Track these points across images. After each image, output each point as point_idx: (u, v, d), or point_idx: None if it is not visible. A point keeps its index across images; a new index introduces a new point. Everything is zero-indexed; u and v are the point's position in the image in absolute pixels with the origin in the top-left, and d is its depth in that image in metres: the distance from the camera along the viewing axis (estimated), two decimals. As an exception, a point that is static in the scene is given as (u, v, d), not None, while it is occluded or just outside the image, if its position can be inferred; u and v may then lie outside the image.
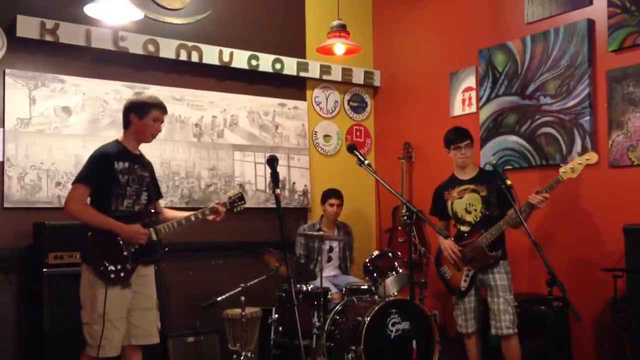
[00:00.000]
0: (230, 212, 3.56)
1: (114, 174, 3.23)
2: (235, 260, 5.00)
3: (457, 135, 4.05)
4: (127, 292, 3.23)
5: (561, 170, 3.72)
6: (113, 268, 3.16)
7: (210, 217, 3.49)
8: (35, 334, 4.03)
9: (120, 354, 3.24)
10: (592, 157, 3.72)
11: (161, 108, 3.37)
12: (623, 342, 3.77)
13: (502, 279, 3.86)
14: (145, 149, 4.77)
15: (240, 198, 3.60)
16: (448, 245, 3.98)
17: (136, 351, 3.34)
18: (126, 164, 3.28)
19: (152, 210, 3.41)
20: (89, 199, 3.25)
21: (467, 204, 4.01)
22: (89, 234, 3.22)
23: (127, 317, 3.25)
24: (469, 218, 4.00)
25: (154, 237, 3.31)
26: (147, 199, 3.37)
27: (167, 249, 3.43)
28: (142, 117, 3.32)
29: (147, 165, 3.47)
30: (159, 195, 3.60)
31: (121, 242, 3.22)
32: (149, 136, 3.39)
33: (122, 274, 3.19)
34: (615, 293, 3.76)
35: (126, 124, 3.38)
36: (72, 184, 3.28)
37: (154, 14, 4.91)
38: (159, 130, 3.41)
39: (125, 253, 3.22)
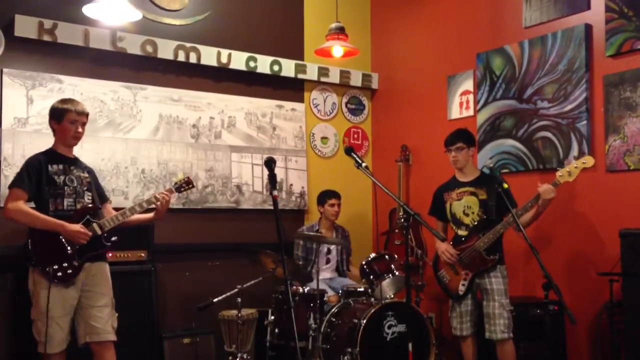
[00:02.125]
0: (178, 192, 3.70)
1: (48, 175, 3.34)
2: (231, 261, 5.00)
3: (450, 138, 4.07)
4: (72, 291, 3.30)
5: (558, 174, 3.73)
6: (58, 267, 3.24)
7: (157, 205, 3.55)
8: (30, 332, 4.00)
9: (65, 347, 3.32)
10: (588, 160, 3.73)
11: (77, 111, 3.45)
12: (618, 346, 3.77)
13: (498, 283, 3.86)
14: (143, 149, 4.80)
15: (187, 182, 3.71)
16: (445, 248, 3.99)
17: (104, 347, 3.38)
18: (60, 166, 3.41)
19: (94, 206, 3.46)
20: (27, 204, 3.34)
21: (465, 206, 4.02)
22: (30, 237, 3.30)
23: (80, 315, 3.34)
24: (467, 221, 4.01)
25: (99, 232, 3.38)
26: (90, 199, 3.46)
27: (114, 239, 3.46)
28: (59, 121, 3.45)
29: (85, 168, 3.56)
30: (103, 198, 3.66)
31: (64, 241, 3.29)
32: (71, 139, 3.48)
33: (69, 271, 3.27)
34: (611, 297, 3.77)
35: (52, 129, 3.51)
36: (9, 188, 3.38)
37: (152, 14, 4.91)
38: (78, 131, 3.48)
39: (70, 251, 3.29)
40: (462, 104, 5.15)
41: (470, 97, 5.08)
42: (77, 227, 3.30)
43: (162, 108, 4.93)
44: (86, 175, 3.51)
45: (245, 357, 4.14)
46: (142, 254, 4.36)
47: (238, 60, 5.18)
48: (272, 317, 4.25)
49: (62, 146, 3.49)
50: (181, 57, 4.93)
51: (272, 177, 3.14)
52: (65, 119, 3.43)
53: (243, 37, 5.30)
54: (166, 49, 4.86)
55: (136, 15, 4.21)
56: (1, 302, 4.19)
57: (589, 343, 4.14)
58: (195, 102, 5.07)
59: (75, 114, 3.44)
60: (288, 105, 5.53)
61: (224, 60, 5.11)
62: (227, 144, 5.20)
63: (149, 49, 4.79)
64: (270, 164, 3.17)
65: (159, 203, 3.56)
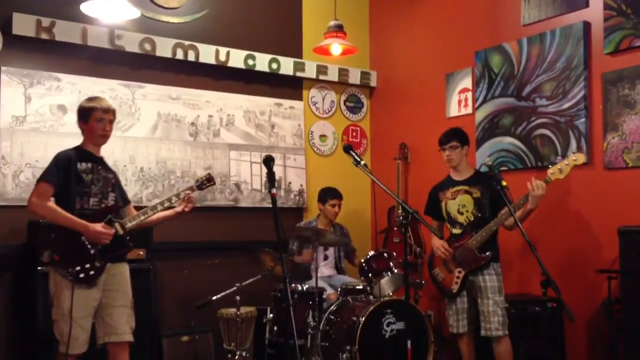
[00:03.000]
0: (199, 190, 3.64)
1: (76, 173, 3.30)
2: (230, 259, 5.00)
3: (444, 137, 4.07)
4: (94, 292, 3.27)
5: (549, 171, 3.75)
6: (80, 268, 3.21)
7: (180, 208, 3.53)
8: (29, 332, 4.01)
9: (86, 349, 3.29)
10: (579, 157, 3.73)
11: (103, 109, 3.42)
12: (616, 343, 3.78)
13: (491, 281, 3.86)
14: (142, 148, 4.80)
15: (209, 179, 3.66)
16: (440, 244, 3.99)
17: (121, 347, 3.37)
18: (89, 165, 3.37)
19: (116, 206, 3.44)
20: (53, 199, 3.30)
21: (459, 205, 4.02)
22: (52, 236, 3.27)
23: (100, 315, 3.31)
24: (461, 219, 4.01)
25: (121, 232, 3.35)
26: (114, 200, 3.44)
27: (132, 245, 3.44)
28: (86, 121, 3.41)
29: (110, 170, 3.54)
30: (126, 200, 3.64)
31: (86, 241, 3.26)
32: (98, 137, 3.44)
33: (91, 272, 3.24)
34: (609, 294, 3.77)
35: (80, 129, 3.48)
36: (37, 182, 3.34)
37: (150, 12, 4.91)
38: (106, 130, 3.44)
39: (92, 251, 3.26)
40: (460, 101, 5.15)
41: (469, 94, 5.08)
42: (100, 227, 3.25)
43: (161, 106, 4.92)
44: (111, 176, 3.48)
45: (244, 355, 4.15)
46: (141, 252, 4.35)
47: (236, 58, 5.17)
48: (271, 315, 4.26)
49: (89, 145, 3.45)
50: (179, 55, 4.92)
51: (270, 175, 3.13)
52: (92, 118, 3.39)
53: (241, 35, 5.29)
54: (164, 47, 4.86)
55: (134, 13, 4.20)
56: (0, 301, 4.20)
57: (587, 340, 4.14)
58: (194, 100, 5.07)
59: (101, 111, 3.40)
60: (287, 103, 5.53)
61: (222, 58, 5.11)
62: (225, 142, 5.20)
63: (147, 47, 4.78)
64: (268, 162, 3.16)
65: (180, 201, 3.53)
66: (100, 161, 3.47)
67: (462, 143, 4.05)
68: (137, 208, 3.65)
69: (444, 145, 4.05)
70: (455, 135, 4.05)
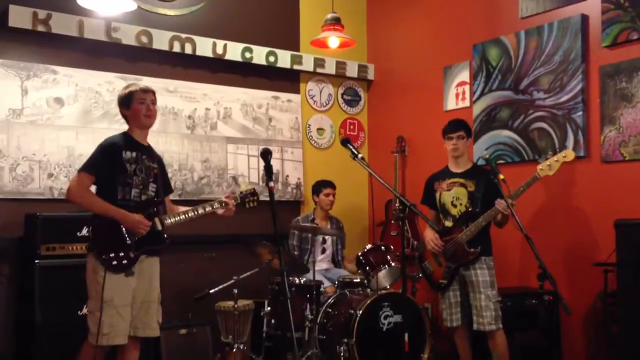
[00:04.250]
0: (241, 206, 3.56)
1: (121, 162, 3.25)
2: (227, 252, 5.00)
3: (451, 126, 4.07)
4: (132, 280, 3.23)
5: (538, 167, 3.76)
6: (114, 255, 3.17)
7: (220, 212, 3.50)
8: (27, 326, 4.01)
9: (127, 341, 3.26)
10: (568, 154, 3.76)
11: (142, 89, 3.38)
12: (613, 336, 3.80)
13: (483, 275, 3.86)
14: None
15: (253, 194, 3.60)
16: (431, 237, 4.00)
17: (135, 343, 3.35)
18: (134, 154, 3.31)
19: (158, 200, 3.40)
20: (94, 187, 3.27)
21: (453, 197, 4.03)
22: (93, 221, 3.26)
23: (133, 308, 3.27)
24: (454, 212, 4.02)
25: (159, 227, 3.32)
26: (155, 191, 3.39)
27: (169, 241, 3.42)
28: (128, 106, 3.36)
29: (156, 158, 3.48)
30: (168, 190, 3.59)
31: (124, 230, 3.22)
32: (143, 118, 3.37)
33: (124, 262, 3.19)
34: (605, 287, 3.79)
35: (125, 120, 3.43)
36: (77, 171, 3.32)
37: (147, 5, 4.88)
38: (150, 110, 3.38)
39: (129, 241, 3.23)
40: (458, 95, 5.15)
41: (466, 88, 5.07)
42: (138, 216, 3.23)
43: (158, 99, 4.86)
44: (155, 165, 3.42)
45: (241, 347, 4.15)
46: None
47: (233, 51, 5.16)
48: (269, 308, 4.26)
49: (137, 130, 3.39)
50: (176, 48, 4.90)
51: (268, 169, 3.13)
52: (134, 101, 3.33)
53: (238, 28, 5.27)
54: (161, 40, 4.84)
55: (131, 5, 4.18)
56: (-1, 294, 4.20)
57: (584, 333, 4.16)
58: (191, 93, 5.06)
59: (141, 92, 3.35)
60: (284, 96, 5.52)
61: (219, 51, 5.09)
62: (223, 135, 5.19)
63: (144, 39, 4.77)
64: (266, 155, 3.16)
65: (223, 210, 3.50)
66: (145, 149, 3.41)
67: (468, 134, 4.07)
68: (192, 203, 3.62)
69: (451, 134, 4.03)
70: (463, 126, 4.06)
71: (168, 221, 3.35)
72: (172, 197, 4.77)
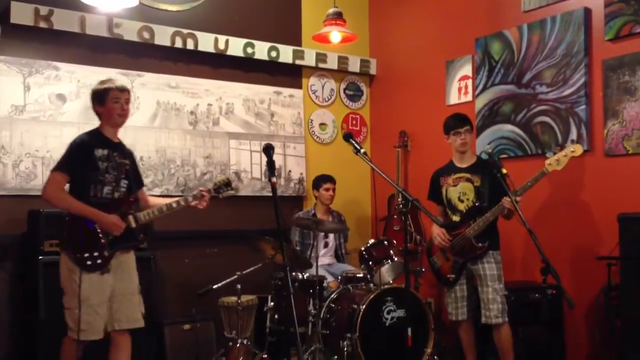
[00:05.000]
0: (216, 198, 3.59)
1: (93, 161, 3.29)
2: (231, 248, 5.01)
3: (457, 121, 4.05)
4: (108, 278, 3.28)
5: (547, 162, 3.75)
6: (89, 255, 3.22)
7: (194, 203, 3.53)
8: (30, 322, 4.02)
9: (104, 337, 3.32)
10: (577, 149, 3.74)
11: (118, 88, 3.39)
12: (616, 330, 3.80)
13: (491, 269, 3.87)
14: (141, 137, 4.79)
15: (227, 184, 3.62)
16: (439, 232, 4.00)
17: (123, 335, 3.40)
18: (105, 151, 3.34)
19: (132, 199, 3.45)
20: (68, 186, 3.30)
21: (460, 192, 4.02)
22: (67, 219, 3.29)
23: (110, 303, 3.31)
24: (461, 207, 4.02)
25: (133, 225, 3.37)
26: (126, 186, 3.42)
27: (146, 234, 3.47)
28: (102, 103, 3.38)
29: (127, 153, 3.51)
30: (140, 184, 3.63)
31: (98, 230, 3.27)
32: (117, 117, 3.40)
33: (99, 261, 3.24)
34: (609, 281, 3.79)
35: (97, 115, 3.45)
36: (51, 171, 3.36)
37: (148, 0, 4.87)
38: (124, 109, 3.41)
39: (103, 240, 3.27)
40: (460, 89, 5.14)
41: (469, 82, 5.06)
42: (114, 218, 3.28)
43: (160, 95, 4.91)
44: (127, 161, 3.46)
45: (245, 342, 4.16)
46: (142, 241, 4.36)
47: (235, 46, 5.15)
48: (272, 303, 4.26)
49: (108, 128, 3.41)
50: (178, 44, 4.90)
51: (270, 164, 3.13)
52: (109, 99, 3.35)
53: (240, 23, 5.27)
54: (163, 36, 4.84)
55: (132, 1, 4.17)
56: (0, 290, 4.21)
57: (587, 327, 4.16)
58: (193, 88, 5.05)
59: (117, 91, 3.37)
60: (286, 91, 5.51)
61: (221, 46, 5.08)
62: (225, 131, 5.19)
63: (146, 35, 4.76)
64: (268, 150, 3.16)
65: (197, 202, 3.52)
66: (117, 146, 3.44)
67: (472, 127, 4.08)
68: (168, 197, 3.64)
69: (459, 128, 4.01)
70: (467, 120, 4.06)
71: (142, 219, 3.39)
72: (175, 192, 4.82)
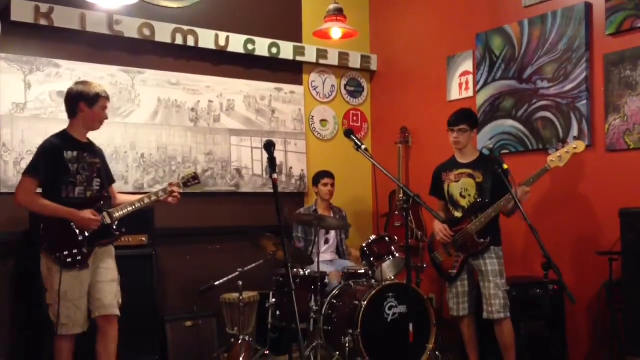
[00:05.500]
0: (185, 188, 3.75)
1: (63, 163, 3.35)
2: (232, 245, 5.02)
3: (453, 119, 4.05)
4: (85, 273, 3.36)
5: (549, 159, 3.75)
6: (68, 253, 3.29)
7: (164, 198, 3.62)
8: (33, 318, 4.03)
9: (87, 330, 3.41)
10: (579, 145, 3.73)
11: (107, 97, 3.53)
12: (617, 325, 3.80)
13: (492, 264, 3.87)
14: (142, 134, 4.79)
15: (194, 177, 3.78)
16: (441, 228, 4.00)
17: (109, 321, 3.44)
18: (75, 153, 3.40)
19: (104, 194, 3.53)
20: (39, 189, 3.37)
21: (462, 188, 4.02)
22: (42, 223, 3.33)
23: (90, 292, 3.39)
24: (463, 203, 4.01)
25: (108, 221, 3.43)
26: (99, 185, 3.50)
27: (124, 230, 3.54)
28: (91, 106, 3.45)
29: (97, 152, 3.58)
30: (111, 181, 3.72)
31: (75, 228, 3.34)
32: (99, 123, 3.53)
33: (78, 258, 3.32)
34: (610, 276, 3.78)
35: (74, 112, 3.48)
36: (22, 175, 3.41)
37: (149, -3, 4.88)
38: (107, 118, 3.56)
39: (80, 238, 3.34)
40: (461, 84, 5.13)
41: (470, 77, 5.05)
42: (88, 213, 3.35)
43: (161, 92, 4.91)
44: (97, 161, 3.53)
45: (247, 339, 4.17)
46: (143, 238, 4.38)
47: (236, 43, 5.15)
48: (274, 300, 4.27)
49: (80, 129, 3.48)
50: (179, 41, 4.90)
51: (271, 161, 3.13)
52: (98, 105, 3.46)
53: (241, 20, 5.26)
54: (164, 33, 4.83)
55: (133, -2, 4.17)
56: (2, 287, 4.22)
57: (589, 322, 4.16)
58: (194, 85, 5.05)
59: (106, 100, 3.51)
60: (287, 88, 5.51)
61: (222, 43, 5.08)
62: (226, 128, 5.19)
63: (146, 32, 4.76)
64: (269, 147, 3.16)
65: (167, 196, 3.62)
66: (86, 146, 3.50)
67: (472, 126, 4.05)
68: (139, 194, 3.66)
69: (453, 127, 4.02)
70: (465, 119, 4.02)
71: (116, 215, 3.47)
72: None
